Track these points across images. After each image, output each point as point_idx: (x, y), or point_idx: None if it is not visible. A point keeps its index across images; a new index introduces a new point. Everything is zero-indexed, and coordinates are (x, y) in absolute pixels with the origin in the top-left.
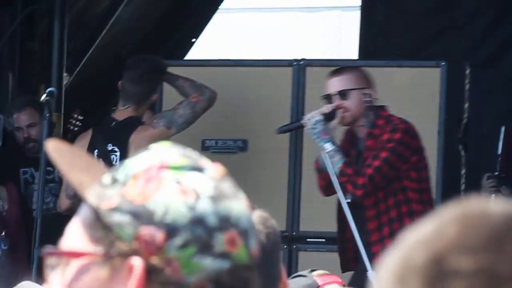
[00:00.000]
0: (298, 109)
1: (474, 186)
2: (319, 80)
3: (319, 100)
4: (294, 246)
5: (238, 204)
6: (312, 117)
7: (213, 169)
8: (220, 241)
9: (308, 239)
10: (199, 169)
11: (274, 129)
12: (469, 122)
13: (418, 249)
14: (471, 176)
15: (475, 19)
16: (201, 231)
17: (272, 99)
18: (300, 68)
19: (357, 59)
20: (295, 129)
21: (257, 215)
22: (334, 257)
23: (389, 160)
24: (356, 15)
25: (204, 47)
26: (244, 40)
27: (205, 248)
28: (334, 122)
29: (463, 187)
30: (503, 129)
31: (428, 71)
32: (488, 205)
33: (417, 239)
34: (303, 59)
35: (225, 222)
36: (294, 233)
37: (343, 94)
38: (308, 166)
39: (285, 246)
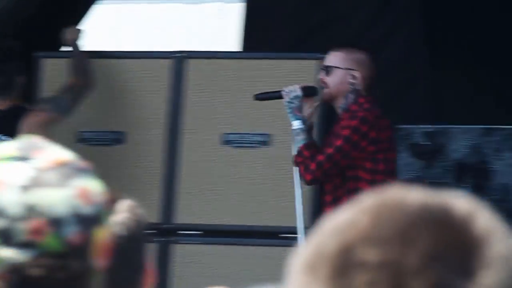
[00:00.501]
0: (178, 102)
1: None
2: (199, 72)
3: (199, 92)
4: (169, 239)
5: (56, 193)
6: (292, 91)
7: (43, 159)
8: (22, 230)
9: (183, 232)
10: (25, 159)
11: (152, 121)
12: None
13: (331, 237)
14: None
15: (355, 11)
16: (1, 223)
17: (151, 91)
18: (180, 60)
19: (239, 51)
20: (272, 99)
21: (125, 204)
22: (209, 249)
23: (343, 148)
24: (238, 7)
25: (83, 38)
26: (123, 31)
27: (6, 239)
28: (317, 97)
29: None
30: None
31: (307, 64)
32: (406, 195)
33: (331, 227)
34: (183, 51)
35: (31, 211)
36: (169, 225)
37: (327, 70)
38: (187, 158)
39: (160, 239)
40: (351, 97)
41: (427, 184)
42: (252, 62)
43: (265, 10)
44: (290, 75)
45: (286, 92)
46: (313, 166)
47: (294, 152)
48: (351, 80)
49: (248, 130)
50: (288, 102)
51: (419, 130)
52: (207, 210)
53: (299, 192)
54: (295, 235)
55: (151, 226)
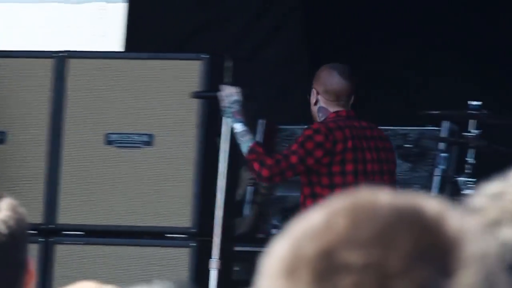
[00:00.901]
0: (60, 101)
1: (234, 178)
2: (81, 72)
3: (81, 92)
4: (51, 239)
5: None
6: (231, 95)
7: None
8: None
9: (66, 232)
10: None
11: (34, 121)
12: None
13: (308, 240)
14: (229, 169)
15: (238, 12)
16: None
17: (33, 91)
18: (61, 59)
19: (122, 52)
20: (207, 98)
21: (5, 202)
22: (91, 250)
23: (298, 152)
24: (121, 7)
25: None
26: (2, 30)
27: None
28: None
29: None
30: (260, 122)
31: (191, 64)
32: (376, 197)
33: (305, 230)
34: (64, 51)
35: None
36: (51, 225)
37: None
38: (69, 158)
39: (42, 239)
40: (322, 116)
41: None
42: (135, 62)
43: (147, 11)
44: (174, 75)
45: (224, 96)
46: (270, 161)
47: (244, 150)
48: (313, 99)
49: (131, 130)
50: (228, 107)
51: (300, 131)
52: (90, 210)
53: (221, 197)
54: (180, 235)
55: (33, 226)
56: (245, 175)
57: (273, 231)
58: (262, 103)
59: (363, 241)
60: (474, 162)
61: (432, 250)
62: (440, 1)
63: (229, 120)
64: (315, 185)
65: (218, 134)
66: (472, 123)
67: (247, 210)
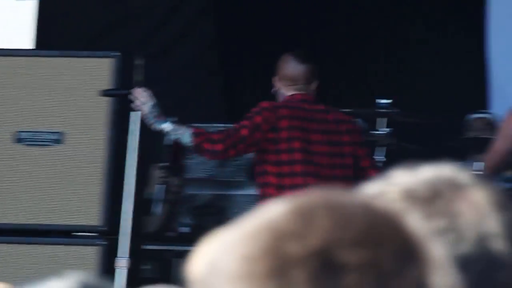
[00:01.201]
0: None
1: (143, 176)
2: None
3: None
4: None
5: None
6: (146, 102)
7: None
8: None
9: None
10: None
11: None
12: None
13: (289, 239)
14: (141, 166)
15: (149, 10)
16: None
17: None
18: None
19: (32, 49)
20: (118, 96)
21: None
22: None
23: (247, 126)
24: (32, 5)
25: None
26: None
27: None
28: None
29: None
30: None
31: (101, 62)
32: (344, 196)
33: (280, 228)
34: None
35: None
36: None
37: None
38: None
39: None
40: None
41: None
42: (45, 60)
43: (58, 8)
44: (85, 73)
45: (139, 104)
46: (219, 136)
47: (187, 140)
48: (274, 87)
49: (41, 128)
50: (149, 113)
51: (212, 129)
52: (0, 209)
53: (130, 195)
54: (88, 234)
55: None
56: (156, 174)
57: (183, 229)
58: (173, 101)
59: (353, 241)
60: (384, 160)
61: (410, 249)
62: (345, 4)
63: (156, 125)
64: (264, 163)
65: (126, 131)
66: (380, 121)
67: (157, 208)
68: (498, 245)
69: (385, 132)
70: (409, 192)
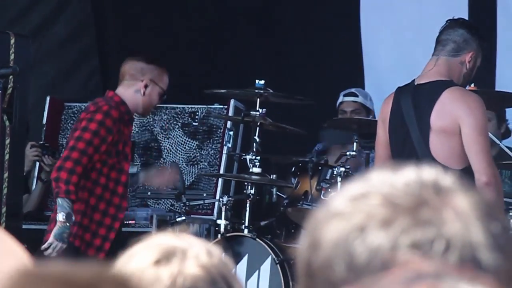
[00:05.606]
0: None
1: (19, 154)
2: None
3: None
4: None
5: None
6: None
7: None
8: None
9: None
10: None
11: None
12: (15, 92)
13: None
14: (15, 146)
15: None
16: None
17: None
18: None
19: None
20: None
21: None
22: None
23: (92, 142)
24: None
25: None
26: None
27: None
28: None
29: (7, 156)
30: (48, 98)
31: None
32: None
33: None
34: None
35: None
36: None
37: None
38: None
39: None
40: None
41: None
42: None
43: None
44: None
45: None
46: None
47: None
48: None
49: None
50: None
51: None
52: None
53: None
54: None
55: None
56: (29, 152)
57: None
58: (49, 80)
59: None
60: (260, 140)
61: None
62: None
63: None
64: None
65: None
66: (258, 101)
67: (34, 187)
68: (484, 255)
69: (260, 112)
70: (391, 198)
